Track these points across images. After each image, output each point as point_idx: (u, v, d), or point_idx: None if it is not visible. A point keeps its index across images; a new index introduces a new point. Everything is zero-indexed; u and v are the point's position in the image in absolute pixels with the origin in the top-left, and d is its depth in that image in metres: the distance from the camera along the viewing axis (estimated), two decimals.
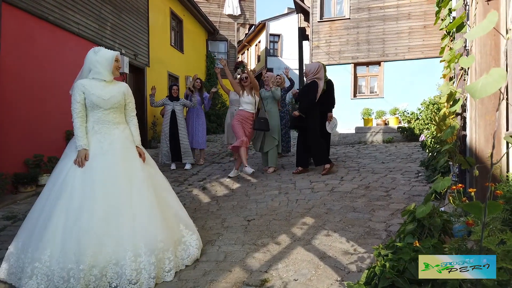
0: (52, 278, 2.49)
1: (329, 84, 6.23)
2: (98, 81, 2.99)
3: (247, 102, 6.15)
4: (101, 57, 2.99)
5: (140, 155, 3.09)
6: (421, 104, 10.28)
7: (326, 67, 6.62)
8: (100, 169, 2.81)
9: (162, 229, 2.82)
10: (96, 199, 2.69)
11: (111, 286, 2.53)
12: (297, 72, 19.21)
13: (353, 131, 10.86)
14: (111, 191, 2.75)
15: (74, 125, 2.90)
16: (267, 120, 6.19)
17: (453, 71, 4.09)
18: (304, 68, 6.10)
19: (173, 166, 7.17)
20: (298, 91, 6.44)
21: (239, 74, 6.27)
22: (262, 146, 6.48)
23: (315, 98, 5.87)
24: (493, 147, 1.19)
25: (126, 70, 9.03)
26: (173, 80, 13.25)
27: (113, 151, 2.92)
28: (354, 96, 13.33)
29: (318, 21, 13.61)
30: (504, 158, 2.50)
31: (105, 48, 3.14)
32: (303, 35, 16.75)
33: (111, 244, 2.59)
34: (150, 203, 2.87)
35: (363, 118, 11.45)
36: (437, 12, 4.68)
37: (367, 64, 13.39)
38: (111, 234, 2.62)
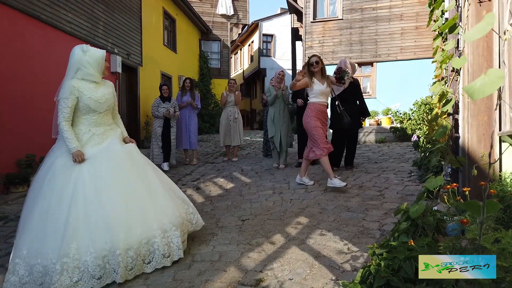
0: (85, 269, 2.52)
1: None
2: (88, 82, 2.94)
3: (323, 92, 4.95)
4: (91, 58, 2.92)
5: (131, 141, 3.27)
6: (413, 105, 10.37)
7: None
8: (105, 160, 2.88)
9: (175, 206, 3.14)
10: (110, 187, 2.79)
11: (145, 263, 2.77)
12: (290, 72, 19.25)
13: None
14: (122, 178, 2.88)
15: (61, 129, 2.85)
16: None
17: (444, 72, 4.12)
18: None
19: (165, 167, 7.00)
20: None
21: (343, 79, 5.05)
22: (281, 144, 6.62)
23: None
24: (491, 146, 1.20)
25: (119, 70, 8.98)
26: (166, 80, 13.20)
27: (113, 145, 3.01)
28: None
29: (311, 22, 13.66)
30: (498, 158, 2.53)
31: (96, 47, 3.11)
32: (296, 35, 16.80)
33: (139, 226, 2.77)
34: (159, 183, 3.14)
35: None
36: (430, 14, 4.71)
37: (360, 64, 13.46)
38: (136, 217, 2.79)
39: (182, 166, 7.47)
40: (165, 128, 7.08)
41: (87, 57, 2.91)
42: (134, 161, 3.09)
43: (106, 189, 2.77)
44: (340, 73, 4.96)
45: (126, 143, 3.24)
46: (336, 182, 4.68)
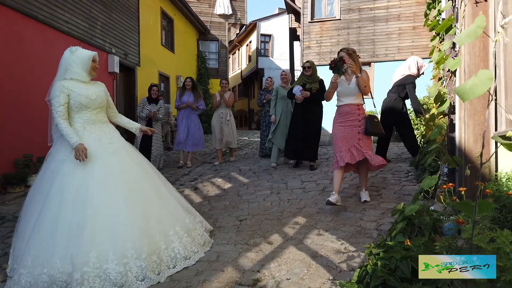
0: (106, 277, 2.49)
1: (321, 83, 6.27)
2: (78, 82, 2.95)
3: (344, 94, 4.26)
4: (77, 57, 2.95)
5: (151, 131, 3.41)
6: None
7: (317, 67, 6.62)
8: (118, 168, 2.89)
9: (185, 212, 3.26)
10: (125, 194, 2.80)
11: (170, 268, 2.81)
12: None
13: None
14: (136, 185, 2.92)
15: (60, 126, 2.82)
16: (379, 120, 4.44)
17: (442, 72, 4.14)
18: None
19: None
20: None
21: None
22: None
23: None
24: (483, 146, 1.21)
25: (117, 70, 8.97)
26: (164, 80, 13.18)
27: (118, 149, 3.01)
28: None
29: (309, 22, 13.67)
30: (493, 157, 2.54)
31: (93, 47, 3.13)
32: (294, 35, 16.80)
33: (157, 233, 2.85)
34: (169, 191, 3.24)
35: None
36: (426, 14, 4.73)
37: None
38: (153, 224, 2.85)
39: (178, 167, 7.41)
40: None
41: (74, 56, 2.94)
42: (144, 168, 3.15)
43: (121, 196, 2.78)
44: (336, 65, 4.17)
45: (143, 131, 3.35)
46: (332, 198, 3.96)
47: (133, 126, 3.36)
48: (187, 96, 7.30)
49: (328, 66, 4.26)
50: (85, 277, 2.46)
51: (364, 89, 4.17)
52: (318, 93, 6.01)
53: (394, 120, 5.96)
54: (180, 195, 3.55)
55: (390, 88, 6.14)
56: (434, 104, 3.61)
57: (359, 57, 4.51)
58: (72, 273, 2.47)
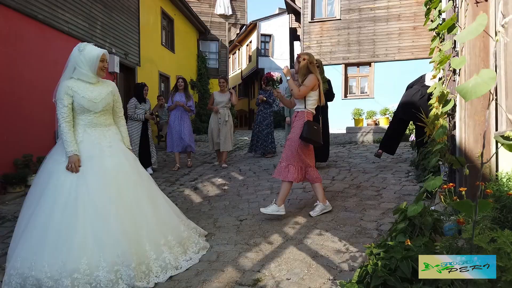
0: (97, 285, 2.44)
1: (329, 83, 6.25)
2: (83, 82, 2.86)
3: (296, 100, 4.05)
4: (84, 57, 2.82)
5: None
6: None
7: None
8: (112, 173, 2.82)
9: (180, 220, 3.19)
10: (117, 201, 2.73)
11: (159, 277, 2.71)
12: None
13: (344, 131, 10.93)
14: (130, 192, 2.85)
15: (62, 130, 2.77)
16: (320, 129, 4.00)
17: (442, 72, 4.13)
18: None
19: (149, 171, 6.65)
20: None
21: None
22: None
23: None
24: (483, 146, 1.21)
25: (117, 70, 8.97)
26: (164, 80, 13.18)
27: (116, 154, 2.94)
28: (345, 96, 13.42)
29: (309, 22, 13.68)
30: (494, 157, 2.54)
31: (94, 46, 3.02)
32: (294, 35, 16.83)
33: (147, 242, 2.75)
34: (163, 198, 3.20)
35: (354, 119, 11.52)
36: (427, 13, 4.72)
37: (358, 64, 13.49)
38: (143, 233, 2.76)
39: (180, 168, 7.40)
40: (142, 132, 6.77)
41: (81, 56, 2.83)
42: (140, 176, 3.07)
43: (113, 203, 2.71)
44: (267, 80, 4.04)
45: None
46: (313, 211, 3.94)
47: (125, 143, 3.19)
48: (179, 96, 7.21)
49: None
50: (75, 283, 2.40)
51: (294, 96, 3.93)
52: (327, 93, 6.00)
53: (417, 117, 5.94)
54: (173, 204, 3.45)
55: (424, 85, 5.97)
56: (435, 104, 3.61)
57: (319, 64, 4.52)
58: (60, 279, 2.41)
